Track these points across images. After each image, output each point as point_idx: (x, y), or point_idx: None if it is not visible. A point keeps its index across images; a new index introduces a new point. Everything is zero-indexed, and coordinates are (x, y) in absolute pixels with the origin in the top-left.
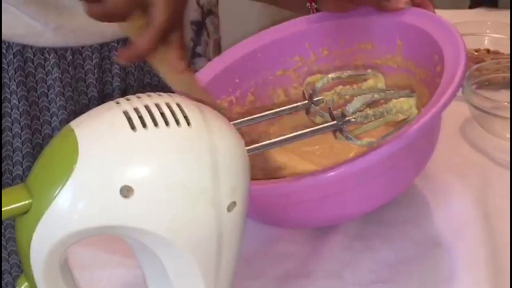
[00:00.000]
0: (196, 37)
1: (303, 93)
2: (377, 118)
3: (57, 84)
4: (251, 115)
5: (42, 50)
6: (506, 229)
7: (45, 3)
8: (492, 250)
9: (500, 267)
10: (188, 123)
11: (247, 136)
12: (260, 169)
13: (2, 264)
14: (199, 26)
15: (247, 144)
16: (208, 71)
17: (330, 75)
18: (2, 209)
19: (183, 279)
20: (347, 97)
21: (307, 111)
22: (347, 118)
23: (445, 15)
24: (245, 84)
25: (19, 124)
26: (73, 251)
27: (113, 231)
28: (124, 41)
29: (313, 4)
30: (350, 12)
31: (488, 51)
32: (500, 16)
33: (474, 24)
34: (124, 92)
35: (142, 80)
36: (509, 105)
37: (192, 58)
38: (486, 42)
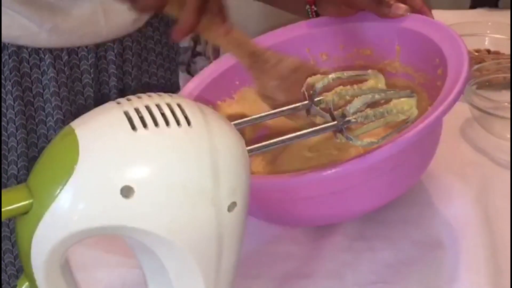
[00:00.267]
0: (196, 36)
1: (304, 94)
2: (378, 119)
3: (52, 84)
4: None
5: (37, 50)
6: (506, 229)
7: (39, 4)
8: (493, 250)
9: (501, 267)
10: (189, 123)
11: (248, 136)
12: None
13: None
14: None
15: (247, 144)
16: (208, 73)
17: (331, 76)
18: (4, 209)
19: (183, 279)
20: (348, 97)
21: (308, 112)
22: (347, 119)
23: (446, 15)
24: (246, 86)
25: (14, 124)
26: (74, 251)
27: (113, 231)
28: (120, 41)
29: (313, 7)
30: (350, 17)
31: (488, 51)
32: (500, 16)
33: (475, 25)
34: (122, 92)
35: (140, 79)
36: (510, 106)
37: (193, 57)
38: (486, 43)
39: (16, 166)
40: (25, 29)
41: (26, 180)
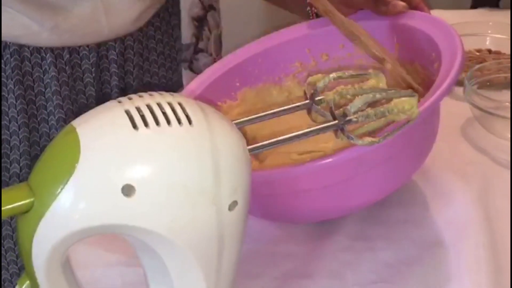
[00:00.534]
0: (198, 33)
1: (305, 93)
2: (379, 118)
3: (54, 83)
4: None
5: (38, 49)
6: (506, 229)
7: (41, 3)
8: (493, 250)
9: (501, 267)
10: (190, 122)
11: (248, 135)
12: None
13: (0, 261)
14: (201, 22)
15: (248, 144)
16: (209, 74)
17: (332, 75)
18: (5, 207)
19: (184, 278)
20: (349, 96)
21: (309, 111)
22: (348, 118)
23: (447, 15)
24: (246, 87)
25: (17, 123)
26: (75, 249)
27: (114, 230)
28: (122, 40)
29: (313, 8)
30: (349, 16)
31: (489, 51)
32: (501, 16)
33: (476, 25)
34: (123, 91)
35: (142, 79)
36: (510, 105)
37: (195, 54)
38: (487, 43)
39: (19, 165)
40: (26, 28)
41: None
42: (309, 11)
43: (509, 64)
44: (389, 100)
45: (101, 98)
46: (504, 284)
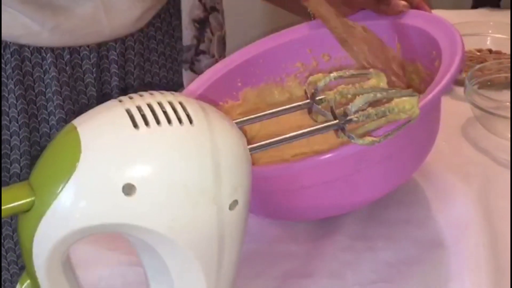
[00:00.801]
0: (199, 35)
1: (305, 92)
2: (379, 118)
3: (54, 83)
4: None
5: (39, 49)
6: (507, 229)
7: (41, 3)
8: (493, 250)
9: (501, 267)
10: (191, 122)
11: (248, 135)
12: None
13: (0, 261)
14: (202, 24)
15: (249, 143)
16: (211, 74)
17: (332, 74)
18: (5, 206)
19: (184, 277)
20: (349, 96)
21: (309, 110)
22: (349, 117)
23: (448, 15)
24: (248, 87)
25: (17, 123)
26: (75, 248)
27: (115, 229)
28: (123, 41)
29: None
30: (350, 16)
31: (490, 51)
32: (502, 16)
33: (476, 24)
34: (124, 92)
35: (143, 79)
36: (510, 105)
37: (196, 55)
38: (488, 42)
39: (19, 165)
40: (26, 28)
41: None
42: (310, 12)
43: (510, 64)
44: (389, 99)
45: (102, 98)
46: (504, 284)
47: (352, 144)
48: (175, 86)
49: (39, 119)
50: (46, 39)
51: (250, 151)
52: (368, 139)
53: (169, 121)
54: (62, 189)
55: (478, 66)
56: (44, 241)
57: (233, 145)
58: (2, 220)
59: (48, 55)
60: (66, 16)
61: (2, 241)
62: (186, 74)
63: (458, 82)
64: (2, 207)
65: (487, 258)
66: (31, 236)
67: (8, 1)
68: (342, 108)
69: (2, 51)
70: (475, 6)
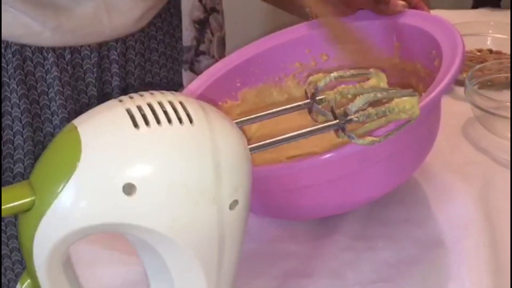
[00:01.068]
0: (200, 36)
1: (306, 92)
2: (380, 117)
3: (56, 83)
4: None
5: (40, 49)
6: (507, 229)
7: (43, 3)
8: (494, 249)
9: (501, 267)
10: (191, 121)
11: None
12: None
13: (4, 261)
14: (202, 25)
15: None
16: (210, 74)
17: (333, 74)
18: (6, 206)
19: (185, 277)
20: (350, 96)
21: (310, 110)
22: (349, 117)
23: (448, 15)
24: (247, 87)
25: (20, 122)
26: (76, 248)
27: (115, 228)
28: (123, 40)
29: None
30: (348, 16)
31: (490, 51)
32: (502, 16)
33: (477, 24)
34: (124, 92)
35: (143, 79)
36: (510, 105)
37: (196, 56)
38: (488, 42)
39: (23, 164)
40: (28, 28)
41: None
42: (309, 12)
43: (510, 64)
44: (390, 99)
45: (103, 98)
46: (504, 284)
47: (353, 143)
48: (176, 86)
49: (42, 118)
50: (47, 39)
51: (250, 151)
52: (368, 139)
53: (169, 120)
54: (62, 188)
55: (478, 66)
56: (45, 240)
57: (233, 145)
58: (7, 220)
59: (50, 54)
60: (68, 16)
61: (7, 241)
62: (185, 75)
63: (458, 82)
64: (3, 207)
65: (487, 258)
66: (32, 235)
67: (10, 1)
68: (342, 108)
69: (3, 51)
70: (475, 6)
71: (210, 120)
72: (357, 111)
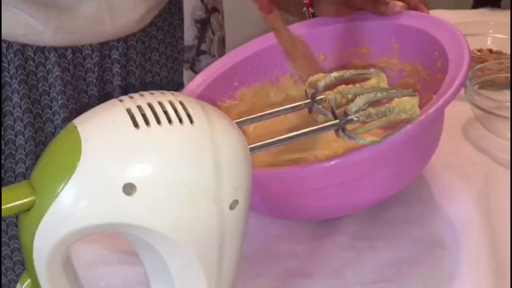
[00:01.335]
0: (201, 35)
1: (306, 92)
2: (380, 117)
3: (58, 83)
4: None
5: (42, 49)
6: (507, 229)
7: (45, 3)
8: (494, 249)
9: (501, 267)
10: (191, 121)
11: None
12: None
13: (6, 261)
14: (204, 24)
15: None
16: (208, 74)
17: (333, 74)
18: (6, 206)
19: (185, 277)
20: (350, 96)
21: (310, 110)
22: (349, 117)
23: (448, 15)
24: (245, 86)
25: (22, 122)
26: (76, 248)
27: (115, 228)
28: (125, 40)
29: (309, 9)
30: (346, 16)
31: (490, 51)
32: (502, 16)
33: (477, 24)
34: (125, 91)
35: (144, 79)
36: (510, 105)
37: (198, 56)
38: (488, 42)
39: (24, 165)
40: (30, 27)
41: None
42: (305, 12)
43: (510, 64)
44: (390, 99)
45: (103, 97)
46: (504, 284)
47: (362, 149)
48: (176, 85)
49: (43, 118)
50: (49, 39)
51: (250, 150)
52: (369, 138)
53: (169, 120)
54: (62, 188)
55: (478, 66)
56: (45, 240)
57: (233, 145)
58: (9, 220)
59: (52, 54)
60: (70, 16)
61: (8, 241)
62: (186, 74)
63: None
64: (3, 207)
65: (487, 257)
66: (32, 235)
67: (12, 1)
68: (342, 108)
69: (5, 51)
70: (475, 6)
71: (210, 120)
72: (357, 111)
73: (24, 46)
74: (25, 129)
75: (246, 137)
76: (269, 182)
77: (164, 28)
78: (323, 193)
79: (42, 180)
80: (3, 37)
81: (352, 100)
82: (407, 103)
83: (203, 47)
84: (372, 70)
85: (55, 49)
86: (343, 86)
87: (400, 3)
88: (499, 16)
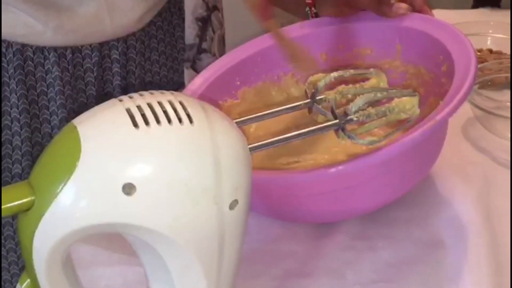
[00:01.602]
0: (202, 33)
1: (306, 92)
2: (380, 117)
3: (57, 83)
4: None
5: (41, 49)
6: (507, 229)
7: (44, 3)
8: (494, 249)
9: (501, 267)
10: (191, 121)
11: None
12: None
13: (1, 261)
14: (204, 22)
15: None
16: (210, 73)
17: (333, 74)
18: (5, 206)
19: (185, 277)
20: (350, 96)
21: (310, 110)
22: (349, 117)
23: (448, 15)
24: (246, 86)
25: (19, 123)
26: (75, 248)
27: (115, 228)
28: (124, 40)
29: (312, 9)
30: (350, 17)
31: (490, 51)
32: (502, 16)
33: (477, 24)
34: (125, 91)
35: (144, 78)
36: (510, 105)
37: (198, 54)
38: (488, 42)
39: (21, 165)
40: (30, 27)
41: None
42: (308, 12)
43: (510, 64)
44: (390, 99)
45: (103, 97)
46: (504, 284)
47: (367, 155)
48: (176, 85)
49: (40, 119)
50: (49, 39)
51: (250, 150)
52: (369, 138)
53: (169, 120)
54: (62, 188)
55: (478, 66)
56: (44, 240)
57: (233, 145)
58: (4, 221)
59: (51, 54)
60: (70, 16)
61: (3, 241)
62: (187, 73)
63: None
64: (2, 207)
65: (487, 257)
66: (31, 235)
67: (12, 1)
68: (342, 108)
69: (4, 51)
70: (475, 6)
71: (210, 120)
72: (357, 111)
73: (23, 46)
74: (21, 130)
75: (246, 137)
76: (272, 186)
77: (163, 28)
78: (326, 197)
79: (41, 180)
80: (2, 37)
81: (352, 100)
82: (407, 103)
83: (204, 45)
84: (372, 70)
85: (54, 49)
86: (343, 86)
87: (405, 5)
88: (499, 16)
